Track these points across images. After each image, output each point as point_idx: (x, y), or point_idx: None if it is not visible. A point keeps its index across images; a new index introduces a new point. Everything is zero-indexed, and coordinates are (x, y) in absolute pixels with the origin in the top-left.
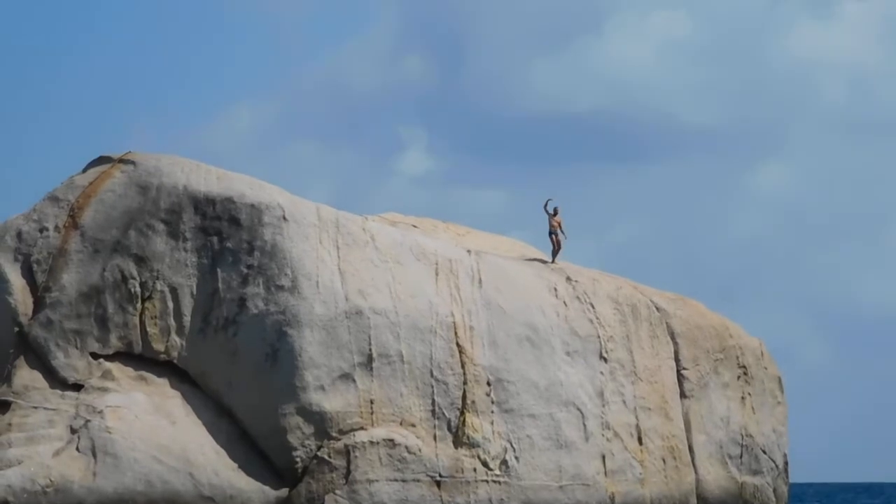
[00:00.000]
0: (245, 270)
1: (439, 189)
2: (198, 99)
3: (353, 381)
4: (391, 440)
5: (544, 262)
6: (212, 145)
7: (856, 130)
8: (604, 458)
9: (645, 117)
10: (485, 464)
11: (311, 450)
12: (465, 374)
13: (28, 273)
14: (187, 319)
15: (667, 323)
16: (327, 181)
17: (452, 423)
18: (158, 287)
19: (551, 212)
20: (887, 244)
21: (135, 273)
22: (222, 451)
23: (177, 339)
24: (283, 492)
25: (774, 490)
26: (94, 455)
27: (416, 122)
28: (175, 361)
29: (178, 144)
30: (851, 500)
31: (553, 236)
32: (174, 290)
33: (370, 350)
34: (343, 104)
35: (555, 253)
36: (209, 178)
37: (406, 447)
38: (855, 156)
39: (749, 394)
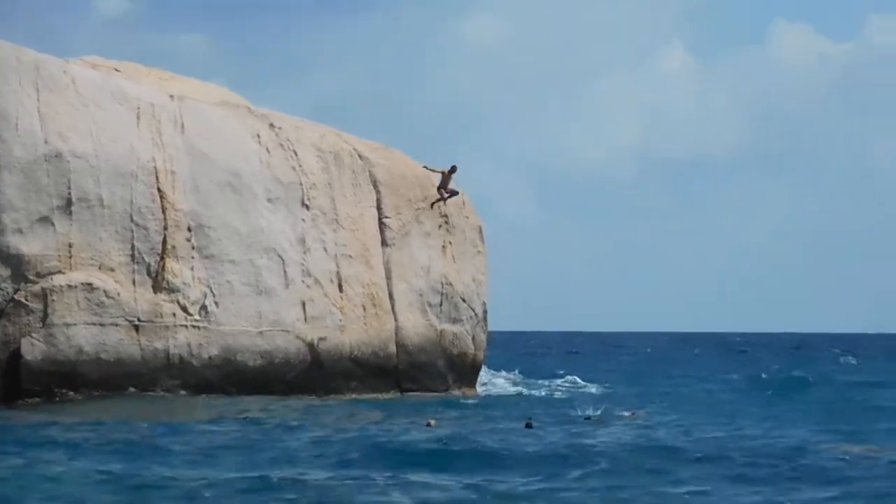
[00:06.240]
0: None
1: (137, 32)
2: None
3: (52, 224)
4: (89, 284)
5: (249, 108)
6: None
7: None
8: (304, 304)
9: None
10: (184, 309)
11: (7, 293)
12: (165, 219)
13: None
14: None
15: (370, 171)
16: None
17: (152, 268)
18: None
19: (448, 169)
20: (591, 99)
21: None
22: None
23: None
24: None
25: (473, 338)
26: None
27: None
28: None
29: None
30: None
31: (440, 189)
32: None
33: (69, 194)
34: None
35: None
36: None
37: (104, 291)
38: (561, 8)
39: (450, 243)
